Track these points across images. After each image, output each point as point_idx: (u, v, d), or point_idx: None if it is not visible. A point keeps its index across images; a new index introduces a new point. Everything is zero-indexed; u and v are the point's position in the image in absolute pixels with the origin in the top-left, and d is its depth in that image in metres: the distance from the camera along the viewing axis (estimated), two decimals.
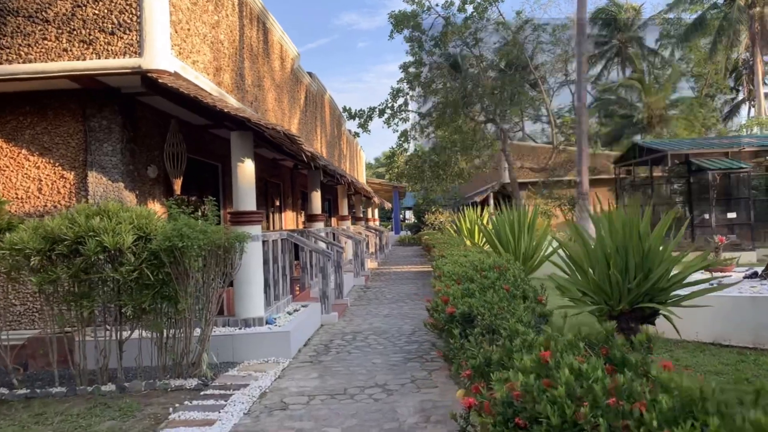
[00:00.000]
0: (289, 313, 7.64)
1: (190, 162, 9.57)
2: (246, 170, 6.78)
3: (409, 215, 68.72)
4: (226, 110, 5.95)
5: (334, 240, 12.28)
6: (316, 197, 12.11)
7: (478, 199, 30.35)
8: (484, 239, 16.29)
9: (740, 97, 45.79)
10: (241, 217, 6.72)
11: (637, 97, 44.13)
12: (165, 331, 5.34)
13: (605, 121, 46.38)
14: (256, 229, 6.81)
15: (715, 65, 38.24)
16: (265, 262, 7.40)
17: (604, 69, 49.79)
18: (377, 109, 20.65)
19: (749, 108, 44.29)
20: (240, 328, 6.63)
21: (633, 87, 43.07)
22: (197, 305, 5.39)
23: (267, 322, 6.83)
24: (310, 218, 12.06)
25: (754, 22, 31.10)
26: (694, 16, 37.33)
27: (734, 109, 46.26)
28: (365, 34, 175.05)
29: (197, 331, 5.54)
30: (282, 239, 8.48)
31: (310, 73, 15.79)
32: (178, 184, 7.01)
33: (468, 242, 13.29)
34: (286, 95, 12.26)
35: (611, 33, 47.79)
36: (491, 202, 31.42)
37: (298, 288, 10.28)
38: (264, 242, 7.37)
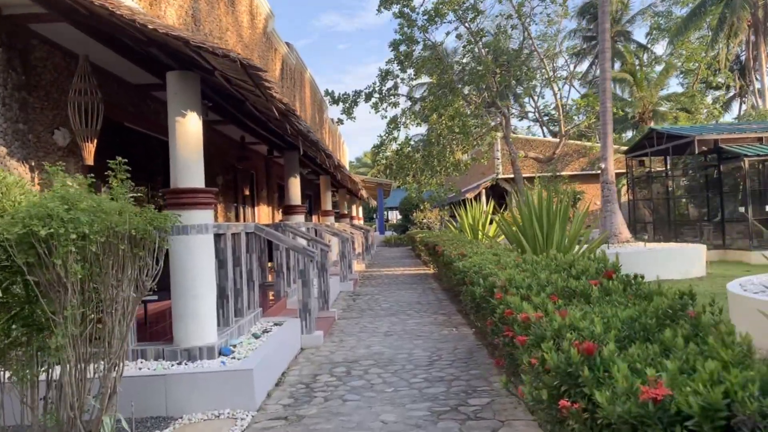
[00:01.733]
0: (256, 336, 5.46)
1: (132, 136, 7.33)
2: (189, 129, 4.59)
3: (393, 216, 66.68)
4: (150, 27, 3.75)
5: (316, 236, 10.11)
6: (295, 185, 9.92)
7: (469, 195, 28.41)
8: (497, 234, 14.29)
9: (732, 92, 44.62)
10: (180, 197, 4.53)
11: (629, 93, 42.83)
12: (40, 374, 3.14)
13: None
14: (203, 216, 4.63)
15: (706, 60, 36.74)
16: (222, 264, 5.23)
17: (591, 66, 48.48)
18: (363, 93, 18.52)
19: (740, 104, 43.18)
20: (179, 363, 4.44)
21: (625, 81, 41.72)
22: (101, 333, 3.20)
23: (221, 353, 4.64)
24: (288, 210, 9.87)
25: (758, 9, 29.70)
26: (686, 9, 35.82)
27: (726, 105, 45.09)
28: (345, 36, 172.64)
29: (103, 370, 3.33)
30: (247, 233, 6.30)
31: (288, 44, 13.58)
32: (89, 151, 4.79)
33: (481, 237, 11.25)
34: (256, 60, 10.05)
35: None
36: (483, 198, 29.54)
37: (272, 297, 8.09)
38: (219, 236, 5.18)
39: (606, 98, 12.28)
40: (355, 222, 24.32)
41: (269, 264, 9.48)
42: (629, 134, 45.93)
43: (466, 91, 16.86)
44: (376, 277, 14.00)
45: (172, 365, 4.40)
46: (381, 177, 22.73)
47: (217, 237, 5.13)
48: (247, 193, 12.73)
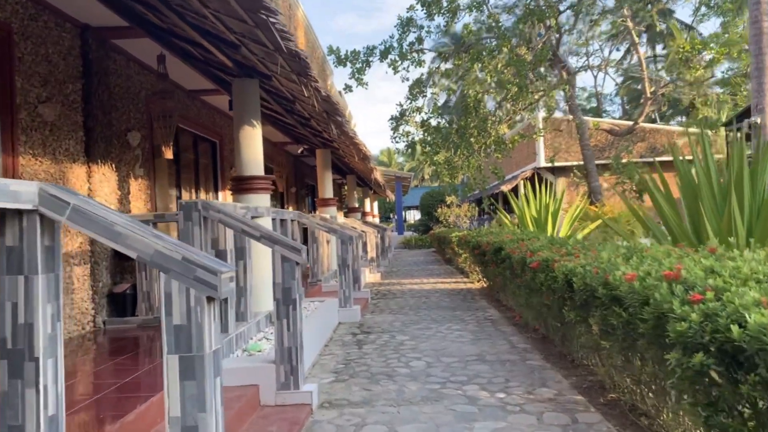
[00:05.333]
0: None
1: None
2: None
3: (410, 216, 62.17)
4: None
5: (280, 234, 5.75)
6: (252, 138, 5.58)
7: (505, 188, 23.91)
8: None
9: None
10: None
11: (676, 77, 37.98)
12: None
13: (639, 103, 40.16)
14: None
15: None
16: None
17: (626, 53, 43.74)
18: (378, 50, 14.18)
19: None
20: None
21: (673, 64, 36.86)
22: None
23: None
24: (239, 185, 5.52)
25: None
26: None
27: None
28: (362, 37, 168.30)
29: None
30: None
31: None
32: None
33: (552, 232, 6.90)
34: None
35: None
36: (522, 191, 25.00)
37: None
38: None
39: (763, 36, 7.93)
40: (369, 219, 19.94)
41: None
42: (678, 120, 41.05)
43: (513, 42, 12.42)
44: (396, 294, 9.60)
45: None
46: (403, 157, 18.22)
47: None
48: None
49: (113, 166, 5.87)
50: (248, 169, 5.44)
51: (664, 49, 38.91)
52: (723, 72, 16.92)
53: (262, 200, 5.46)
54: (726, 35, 14.10)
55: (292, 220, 7.00)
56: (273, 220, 6.04)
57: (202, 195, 8.66)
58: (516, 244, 5.89)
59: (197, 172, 8.59)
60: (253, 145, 5.51)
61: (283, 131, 10.25)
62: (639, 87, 41.16)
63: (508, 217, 10.87)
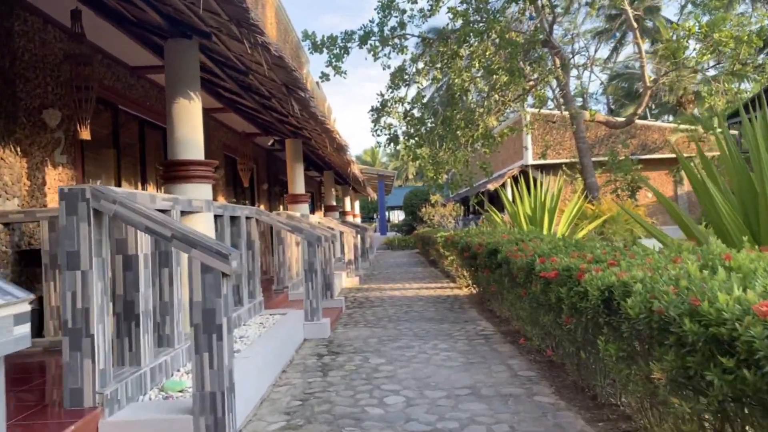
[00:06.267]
0: None
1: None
2: None
3: (393, 216, 61.12)
4: None
5: (203, 235, 4.63)
6: (189, 112, 4.47)
7: (491, 186, 22.98)
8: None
9: None
10: None
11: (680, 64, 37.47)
12: None
13: (625, 102, 39.55)
14: None
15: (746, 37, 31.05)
16: None
17: (613, 51, 43.27)
18: (357, 35, 13.11)
19: None
20: None
21: (662, 59, 36.32)
22: None
23: None
24: (170, 172, 4.41)
25: None
26: None
27: None
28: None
29: None
30: None
31: None
32: None
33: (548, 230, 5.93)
34: None
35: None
36: (508, 189, 24.08)
37: None
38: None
39: None
40: (349, 219, 18.85)
41: None
42: (668, 118, 40.45)
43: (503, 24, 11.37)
44: (374, 301, 8.54)
45: None
46: (387, 157, 17.17)
47: None
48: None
49: (19, 149, 4.73)
50: (183, 152, 4.34)
51: (652, 45, 38.39)
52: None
53: (200, 192, 4.36)
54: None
55: (247, 218, 5.90)
56: (219, 217, 4.95)
57: (151, 190, 7.52)
58: (515, 245, 4.86)
59: (144, 163, 7.44)
60: (190, 121, 4.41)
61: (246, 118, 9.14)
62: (626, 85, 40.62)
63: (500, 215, 9.87)
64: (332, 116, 8.25)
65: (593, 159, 18.24)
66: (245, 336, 4.80)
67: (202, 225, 4.26)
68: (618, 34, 41.58)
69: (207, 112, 9.55)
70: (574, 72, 13.57)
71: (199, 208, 4.20)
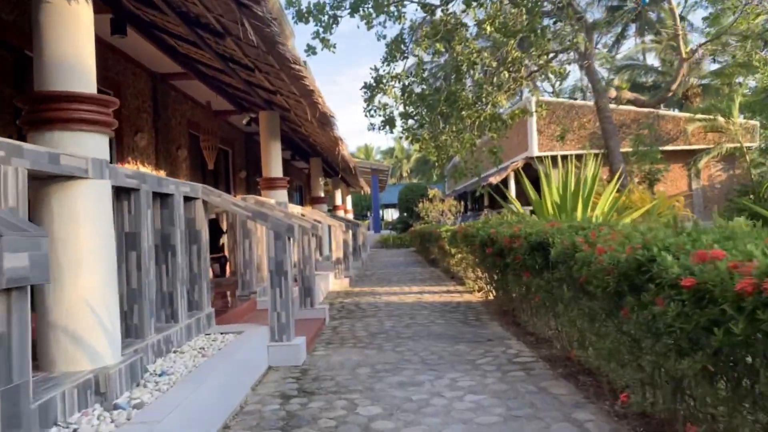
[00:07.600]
0: None
1: None
2: None
3: (387, 215, 59.39)
4: None
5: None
6: (72, 18, 2.79)
7: (493, 180, 21.36)
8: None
9: None
10: None
11: (669, 66, 36.13)
12: None
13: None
14: None
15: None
16: None
17: (616, 42, 41.72)
18: (348, 1, 11.45)
19: None
20: None
21: (667, 51, 34.86)
22: None
23: None
24: (35, 113, 2.73)
25: None
26: None
27: None
28: (339, 35, 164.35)
29: None
30: None
31: None
32: None
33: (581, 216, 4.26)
34: None
35: None
36: (512, 184, 22.43)
37: None
38: None
39: None
40: (340, 213, 17.16)
41: None
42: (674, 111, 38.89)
43: None
44: (366, 310, 6.88)
45: None
46: (380, 149, 15.50)
47: None
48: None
49: None
50: (59, 81, 2.68)
51: (656, 35, 36.88)
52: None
53: (87, 145, 2.69)
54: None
55: (191, 198, 4.23)
56: (131, 192, 3.28)
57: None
58: (577, 235, 3.23)
59: None
60: (71, 34, 2.74)
61: (212, 86, 7.49)
62: (632, 75, 38.97)
63: (518, 203, 8.22)
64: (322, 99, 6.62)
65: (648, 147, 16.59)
66: (168, 371, 3.13)
67: (84, 203, 2.60)
68: (620, 27, 40.03)
69: (164, 78, 7.89)
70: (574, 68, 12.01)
71: (78, 170, 2.54)
